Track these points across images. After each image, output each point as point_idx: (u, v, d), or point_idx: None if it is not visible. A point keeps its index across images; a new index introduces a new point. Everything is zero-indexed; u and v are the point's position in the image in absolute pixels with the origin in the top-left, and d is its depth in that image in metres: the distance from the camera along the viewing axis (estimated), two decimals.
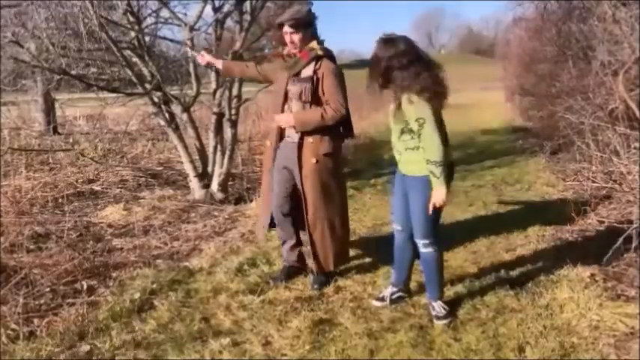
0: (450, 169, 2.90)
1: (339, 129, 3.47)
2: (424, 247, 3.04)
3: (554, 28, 8.66)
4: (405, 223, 3.13)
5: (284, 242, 3.68)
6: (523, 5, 9.17)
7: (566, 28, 7.96)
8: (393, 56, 2.80)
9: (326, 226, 3.45)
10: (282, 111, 3.41)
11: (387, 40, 2.87)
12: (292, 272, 3.66)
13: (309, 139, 3.35)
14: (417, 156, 2.89)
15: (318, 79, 3.31)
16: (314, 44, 3.36)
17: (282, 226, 3.61)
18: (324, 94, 3.31)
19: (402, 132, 2.92)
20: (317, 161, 3.35)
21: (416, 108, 2.77)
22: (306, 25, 3.30)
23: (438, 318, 3.02)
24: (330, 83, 3.30)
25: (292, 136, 3.42)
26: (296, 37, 3.27)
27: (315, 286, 3.50)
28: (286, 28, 3.27)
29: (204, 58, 3.86)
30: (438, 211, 2.94)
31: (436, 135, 2.77)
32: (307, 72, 3.33)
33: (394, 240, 3.27)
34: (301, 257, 3.68)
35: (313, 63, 3.32)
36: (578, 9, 7.33)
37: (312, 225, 3.43)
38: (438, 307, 3.07)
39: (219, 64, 3.81)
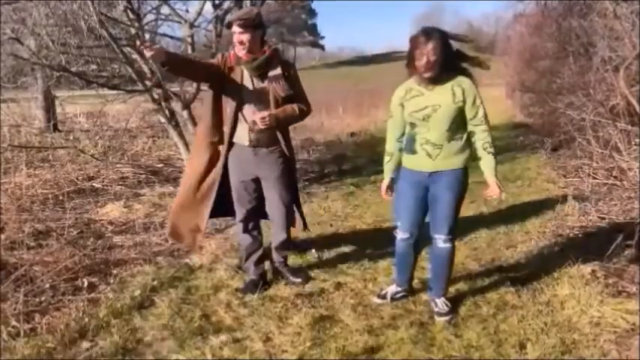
0: None
1: None
2: (444, 243, 2.99)
3: (554, 24, 8.66)
4: (416, 228, 3.06)
5: (249, 256, 3.53)
6: (523, 2, 9.16)
7: (567, 24, 7.96)
8: (448, 42, 2.78)
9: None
10: (241, 111, 3.31)
11: (434, 29, 2.79)
12: (262, 285, 3.49)
13: (285, 138, 3.45)
14: (461, 145, 2.88)
15: (289, 76, 3.34)
16: (274, 45, 3.40)
17: (252, 236, 3.51)
18: (293, 92, 3.34)
19: (454, 121, 2.82)
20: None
21: (477, 91, 2.83)
22: (256, 26, 3.22)
23: (440, 314, 3.01)
24: (299, 83, 3.43)
25: (256, 139, 3.33)
26: (244, 38, 3.18)
27: (299, 280, 3.53)
28: (235, 28, 3.19)
29: (149, 50, 2.89)
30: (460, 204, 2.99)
31: None
32: (277, 71, 3.30)
33: (396, 246, 3.18)
34: (264, 274, 3.57)
35: (280, 64, 3.32)
36: (578, 5, 7.33)
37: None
38: (441, 304, 3.06)
39: (162, 55, 2.97)
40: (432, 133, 2.86)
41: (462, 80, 2.81)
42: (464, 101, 2.80)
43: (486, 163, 2.90)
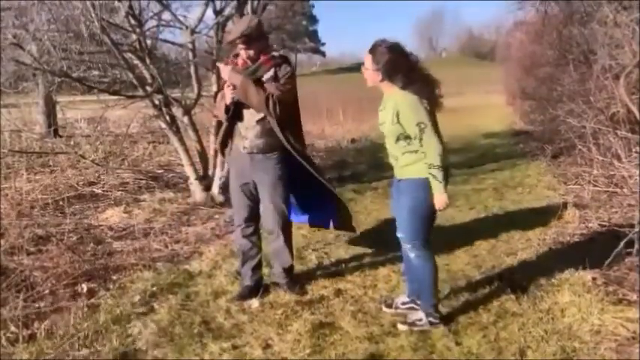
0: (445, 173, 2.83)
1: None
2: (410, 252, 2.97)
3: (554, 31, 8.69)
4: (400, 231, 3.03)
5: (246, 261, 3.53)
6: (524, 9, 9.20)
7: (567, 31, 7.99)
8: (390, 60, 2.78)
9: None
10: (238, 118, 3.37)
11: (380, 44, 2.83)
12: (259, 292, 3.49)
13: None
14: (414, 157, 2.83)
15: (278, 73, 3.33)
16: (273, 51, 3.44)
17: (250, 242, 3.51)
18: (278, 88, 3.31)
19: (398, 138, 2.85)
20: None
21: (416, 113, 2.75)
22: (258, 37, 3.27)
23: (404, 323, 2.99)
24: (285, 80, 3.32)
25: (250, 146, 3.35)
26: (250, 53, 3.25)
27: (297, 290, 3.51)
28: (239, 45, 3.24)
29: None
30: (431, 216, 2.91)
31: (436, 139, 2.76)
32: (269, 74, 3.32)
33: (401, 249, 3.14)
34: (260, 281, 3.56)
35: (274, 67, 3.33)
36: (578, 13, 7.35)
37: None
38: (424, 318, 2.99)
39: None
40: (388, 146, 2.97)
41: (402, 102, 2.78)
42: (400, 124, 2.80)
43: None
